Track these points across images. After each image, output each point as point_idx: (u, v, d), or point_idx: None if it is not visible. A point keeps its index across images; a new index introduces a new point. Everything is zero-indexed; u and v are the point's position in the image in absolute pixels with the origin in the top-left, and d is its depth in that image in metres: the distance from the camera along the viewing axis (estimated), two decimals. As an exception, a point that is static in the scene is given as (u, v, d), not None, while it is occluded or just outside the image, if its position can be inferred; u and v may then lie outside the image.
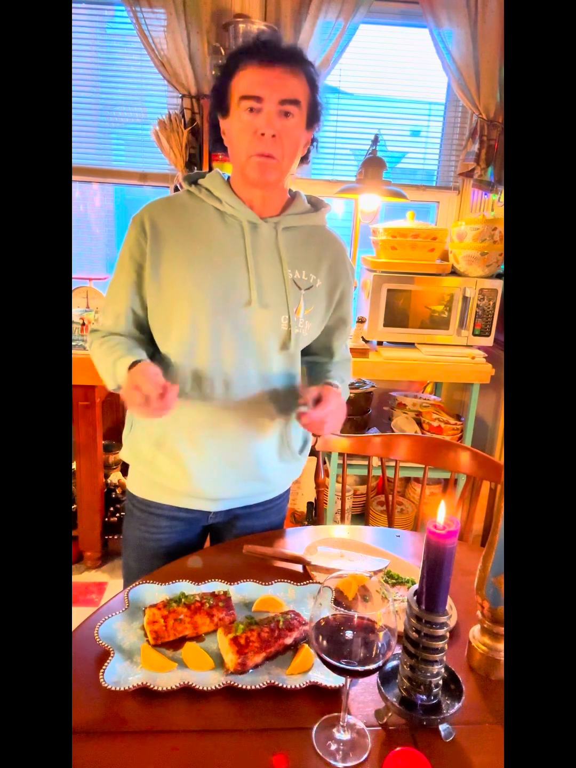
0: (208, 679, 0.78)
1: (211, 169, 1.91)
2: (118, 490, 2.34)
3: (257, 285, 1.06)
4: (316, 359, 1.25)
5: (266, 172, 1.01)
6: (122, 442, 1.20)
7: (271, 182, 1.04)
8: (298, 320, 1.10)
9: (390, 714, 0.76)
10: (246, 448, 1.13)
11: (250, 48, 0.99)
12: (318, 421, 1.04)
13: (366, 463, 1.62)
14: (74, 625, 0.82)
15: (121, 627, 0.86)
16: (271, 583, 0.98)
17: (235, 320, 1.06)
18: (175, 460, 1.11)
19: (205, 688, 0.76)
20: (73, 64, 2.24)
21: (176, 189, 2.25)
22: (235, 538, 1.20)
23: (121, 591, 0.96)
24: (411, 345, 2.20)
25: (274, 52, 0.97)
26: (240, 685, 0.77)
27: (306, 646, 0.83)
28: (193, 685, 0.76)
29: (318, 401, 1.05)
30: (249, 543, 1.11)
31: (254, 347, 1.08)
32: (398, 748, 0.68)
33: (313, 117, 1.04)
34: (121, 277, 1.09)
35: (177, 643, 0.85)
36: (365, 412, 2.31)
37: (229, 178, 1.11)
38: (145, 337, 1.14)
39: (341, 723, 0.73)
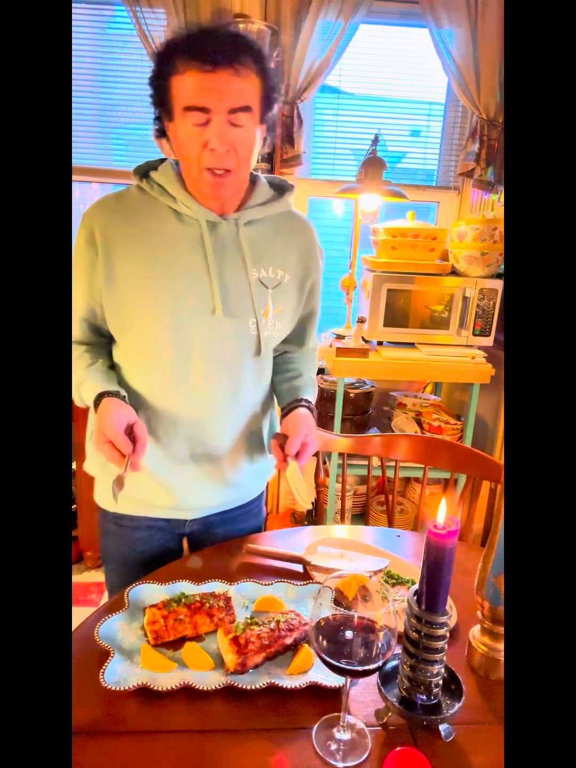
0: (208, 679, 0.78)
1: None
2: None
3: (221, 291, 0.99)
4: (284, 348, 1.20)
5: (221, 189, 0.95)
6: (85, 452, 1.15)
7: (228, 197, 0.98)
8: (268, 322, 1.04)
9: (390, 714, 0.76)
10: (224, 456, 1.10)
11: (186, 44, 0.88)
12: (303, 456, 1.02)
13: (366, 463, 1.62)
14: (74, 625, 0.82)
15: (121, 627, 0.86)
16: (271, 583, 0.97)
17: (201, 331, 1.00)
18: (150, 476, 1.06)
19: (205, 688, 0.76)
20: (73, 64, 2.24)
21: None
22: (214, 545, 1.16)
23: (107, 602, 0.96)
24: (411, 345, 2.19)
25: (216, 53, 0.86)
26: (240, 685, 0.77)
27: (306, 646, 0.83)
28: (193, 685, 0.76)
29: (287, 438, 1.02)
30: (249, 544, 1.11)
31: (224, 357, 1.03)
32: (398, 748, 0.68)
33: (267, 110, 0.95)
34: (75, 284, 1.02)
35: (177, 643, 0.85)
36: (365, 412, 2.31)
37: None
38: (104, 339, 1.09)
39: (341, 723, 0.73)
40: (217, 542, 1.18)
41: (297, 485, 1.01)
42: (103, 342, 1.09)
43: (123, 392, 1.00)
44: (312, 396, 1.15)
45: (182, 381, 1.02)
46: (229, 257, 1.01)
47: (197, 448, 1.08)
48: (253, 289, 1.02)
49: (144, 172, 1.02)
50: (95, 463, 1.13)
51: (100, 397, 0.96)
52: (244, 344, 1.04)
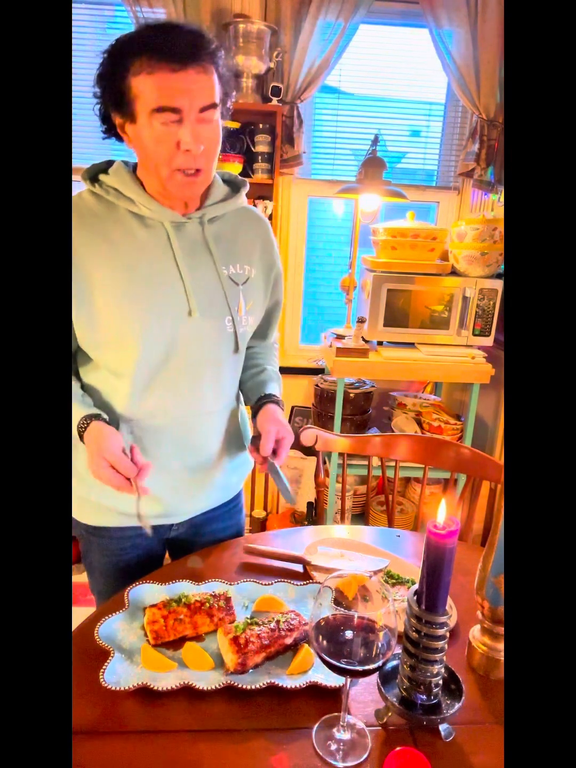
0: (208, 679, 0.78)
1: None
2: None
3: (194, 292, 0.98)
4: (253, 350, 1.21)
5: (194, 188, 0.94)
6: None
7: (197, 195, 0.97)
8: (242, 318, 1.04)
9: (390, 714, 0.76)
10: (204, 458, 1.10)
11: (148, 41, 0.85)
12: (281, 453, 1.03)
13: (366, 463, 1.62)
14: (74, 625, 0.82)
15: (121, 627, 0.86)
16: (271, 583, 0.97)
17: (180, 334, 0.98)
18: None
19: (205, 688, 0.76)
20: (73, 64, 2.24)
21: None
22: (203, 546, 1.15)
23: (107, 602, 0.96)
24: (411, 345, 2.20)
25: (182, 50, 0.84)
26: (240, 685, 0.77)
27: (306, 646, 0.83)
28: (193, 685, 0.76)
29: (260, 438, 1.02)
30: (249, 544, 1.11)
31: (205, 357, 1.02)
32: (398, 748, 0.68)
33: (225, 103, 0.94)
34: None
35: (177, 643, 0.85)
36: (365, 412, 2.31)
37: (134, 167, 0.99)
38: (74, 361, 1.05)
39: (341, 723, 0.73)
40: (203, 543, 1.17)
41: (281, 484, 1.01)
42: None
43: (105, 415, 0.98)
44: (277, 389, 1.15)
45: (165, 387, 1.01)
46: (197, 257, 1.00)
47: (185, 452, 1.07)
48: (225, 287, 1.01)
49: (93, 175, 0.98)
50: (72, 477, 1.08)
51: (87, 420, 0.94)
52: (223, 343, 1.04)
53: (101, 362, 1.01)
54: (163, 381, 1.00)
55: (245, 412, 1.22)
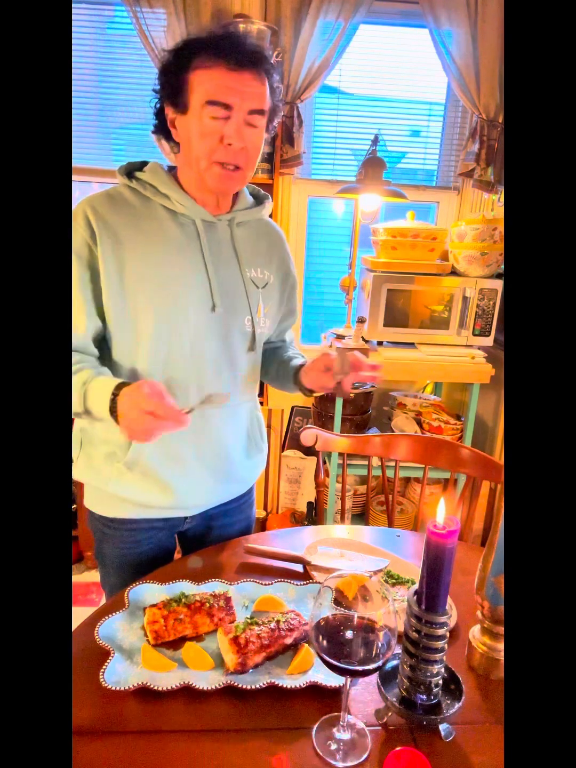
0: (208, 679, 0.78)
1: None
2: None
3: (219, 289, 1.03)
4: (273, 346, 1.27)
5: (230, 183, 0.99)
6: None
7: (232, 192, 1.02)
8: (260, 320, 1.10)
9: (390, 714, 0.76)
10: (221, 452, 1.12)
11: (214, 42, 0.92)
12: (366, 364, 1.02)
13: (366, 463, 1.62)
14: (74, 625, 0.82)
15: (121, 627, 0.86)
16: (271, 583, 0.98)
17: (201, 328, 1.02)
18: (149, 477, 1.06)
19: (205, 688, 0.76)
20: (73, 64, 2.24)
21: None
22: (215, 539, 1.19)
23: (107, 602, 0.96)
24: (411, 345, 2.20)
25: (243, 55, 0.92)
26: (240, 685, 0.77)
27: (306, 646, 0.83)
28: (193, 685, 0.76)
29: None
30: (249, 544, 1.11)
31: (223, 353, 1.06)
32: (398, 748, 0.68)
33: (272, 119, 1.01)
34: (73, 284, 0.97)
35: (177, 643, 0.85)
36: (365, 412, 2.31)
37: (169, 168, 1.06)
38: (97, 353, 1.05)
39: (341, 723, 0.73)
40: (213, 536, 1.20)
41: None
42: (95, 355, 1.04)
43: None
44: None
45: (184, 378, 1.04)
46: (224, 256, 1.05)
47: (200, 445, 1.09)
48: (247, 288, 1.06)
49: (128, 172, 1.04)
50: (84, 468, 1.10)
51: (118, 388, 0.90)
52: (241, 340, 1.08)
53: (124, 345, 1.03)
54: (181, 371, 1.04)
55: (260, 409, 1.26)
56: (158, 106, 1.00)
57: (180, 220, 1.02)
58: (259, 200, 1.14)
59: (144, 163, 1.06)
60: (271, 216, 1.19)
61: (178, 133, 0.99)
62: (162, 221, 1.01)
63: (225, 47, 0.91)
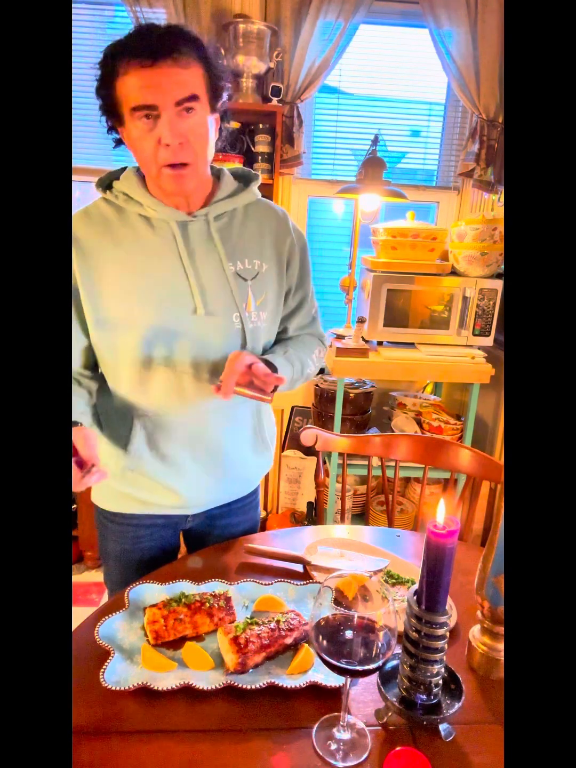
0: (208, 679, 0.78)
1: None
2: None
3: (199, 290, 0.99)
4: (283, 338, 1.19)
5: (183, 182, 0.94)
6: None
7: (191, 189, 0.97)
8: (251, 315, 1.04)
9: (390, 714, 0.76)
10: (224, 452, 1.11)
11: (124, 45, 0.88)
12: (265, 379, 0.95)
13: (366, 463, 1.62)
14: (74, 625, 0.82)
15: (121, 627, 0.86)
16: (271, 583, 0.97)
17: (187, 331, 1.00)
18: (152, 476, 1.08)
19: (205, 688, 0.76)
20: (73, 64, 2.24)
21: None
22: (218, 539, 1.18)
23: (107, 601, 0.96)
24: (411, 345, 2.20)
25: (153, 46, 0.85)
26: (240, 685, 0.77)
27: (306, 646, 0.83)
28: (193, 685, 0.76)
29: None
30: (249, 544, 1.11)
31: (212, 354, 1.02)
32: (398, 748, 0.68)
33: (215, 99, 0.94)
34: None
35: (177, 643, 0.85)
36: (365, 412, 2.31)
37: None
38: (87, 373, 1.07)
39: (341, 723, 0.73)
40: (217, 535, 1.20)
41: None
42: (87, 376, 1.07)
43: (81, 422, 0.98)
44: (280, 364, 1.05)
45: (174, 384, 1.03)
46: (203, 255, 1.01)
47: (198, 447, 1.09)
48: (231, 284, 1.02)
49: (107, 184, 1.02)
50: None
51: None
52: (230, 339, 1.04)
53: (110, 359, 1.04)
54: (169, 377, 1.02)
55: (270, 408, 1.23)
56: (108, 122, 0.97)
57: (155, 225, 0.99)
58: (246, 182, 1.07)
59: (123, 170, 1.04)
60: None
61: (128, 143, 0.96)
62: (137, 229, 0.99)
63: (135, 46, 0.86)
